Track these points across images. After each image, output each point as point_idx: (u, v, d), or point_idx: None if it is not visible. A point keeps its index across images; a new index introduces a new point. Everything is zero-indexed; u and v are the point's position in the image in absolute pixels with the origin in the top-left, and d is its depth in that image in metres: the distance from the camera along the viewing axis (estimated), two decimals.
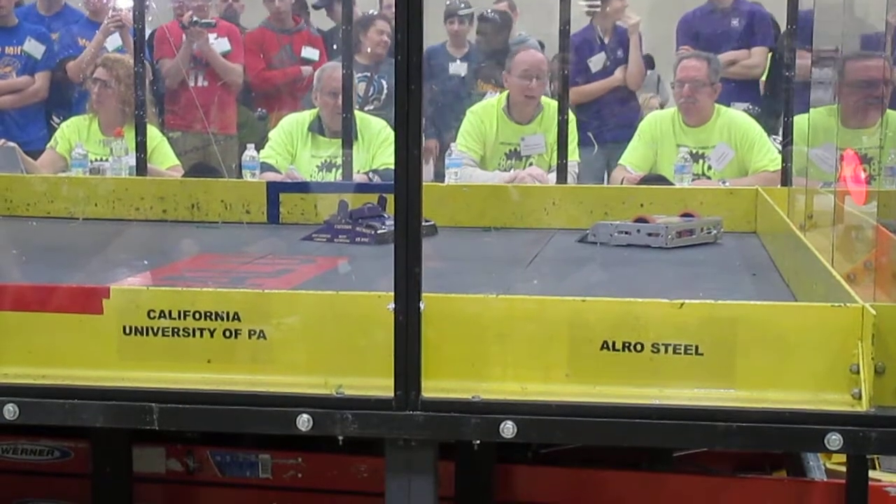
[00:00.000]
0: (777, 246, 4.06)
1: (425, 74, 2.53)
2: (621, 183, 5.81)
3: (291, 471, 3.65)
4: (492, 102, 6.50)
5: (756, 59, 7.14)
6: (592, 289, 3.51)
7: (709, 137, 5.98)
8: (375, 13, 7.57)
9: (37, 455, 3.79)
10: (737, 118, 6.12)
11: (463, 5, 7.64)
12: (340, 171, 5.82)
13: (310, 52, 7.64)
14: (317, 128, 6.15)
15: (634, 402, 2.52)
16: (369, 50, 7.36)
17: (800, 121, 4.99)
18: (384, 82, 7.34)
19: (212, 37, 7.45)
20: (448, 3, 7.64)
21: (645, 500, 3.58)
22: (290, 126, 6.23)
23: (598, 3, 7.17)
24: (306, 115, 6.26)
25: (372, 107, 7.22)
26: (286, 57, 7.71)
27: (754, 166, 5.85)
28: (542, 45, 7.20)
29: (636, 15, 7.21)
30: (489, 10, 7.74)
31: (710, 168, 5.92)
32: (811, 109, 4.71)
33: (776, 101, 6.22)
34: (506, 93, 6.42)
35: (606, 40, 7.21)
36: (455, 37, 7.62)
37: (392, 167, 2.59)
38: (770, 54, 7.13)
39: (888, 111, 4.68)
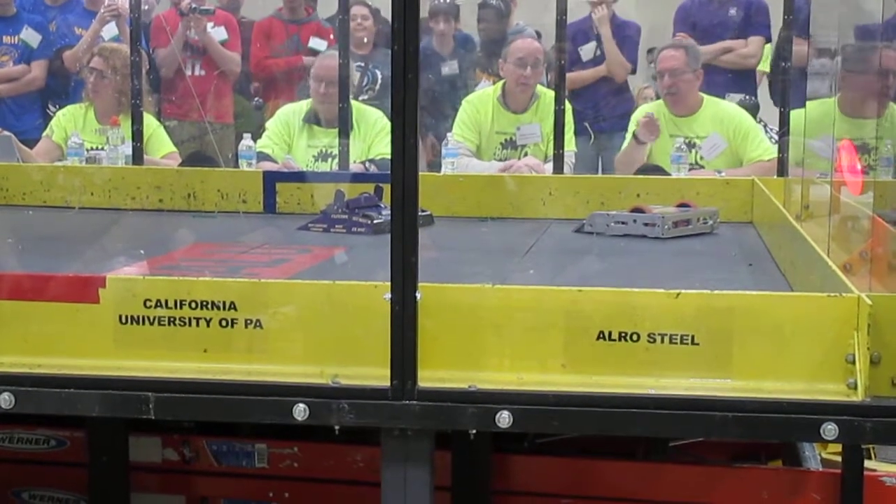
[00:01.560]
0: (773, 236, 4.06)
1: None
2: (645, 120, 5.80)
3: (287, 460, 3.65)
4: (487, 92, 6.49)
5: (752, 49, 7.13)
6: (589, 279, 3.51)
7: (700, 127, 5.98)
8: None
9: (33, 444, 3.79)
10: (728, 109, 6.12)
11: (447, 4, 7.57)
12: (336, 160, 5.82)
13: (317, 43, 7.61)
14: (312, 118, 6.15)
15: (630, 392, 2.52)
16: (363, 39, 7.33)
17: (799, 115, 4.98)
18: (378, 72, 7.33)
19: (209, 25, 7.44)
20: (433, 1, 7.58)
21: (641, 489, 3.58)
22: (287, 116, 6.23)
23: None
24: (303, 105, 6.26)
25: (366, 96, 7.20)
26: (292, 46, 7.70)
27: (749, 156, 5.85)
28: (538, 35, 7.20)
29: (603, 8, 7.17)
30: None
31: (702, 158, 5.92)
32: (810, 100, 4.71)
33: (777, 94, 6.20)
34: (501, 82, 6.42)
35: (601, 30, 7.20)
36: (441, 36, 7.57)
37: (388, 157, 2.59)
38: (767, 45, 7.13)
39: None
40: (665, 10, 7.45)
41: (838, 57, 4.61)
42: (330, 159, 6.01)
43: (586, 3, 7.26)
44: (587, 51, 7.19)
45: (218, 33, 7.49)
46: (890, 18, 3.88)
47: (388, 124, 2.59)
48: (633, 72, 7.45)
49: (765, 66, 7.28)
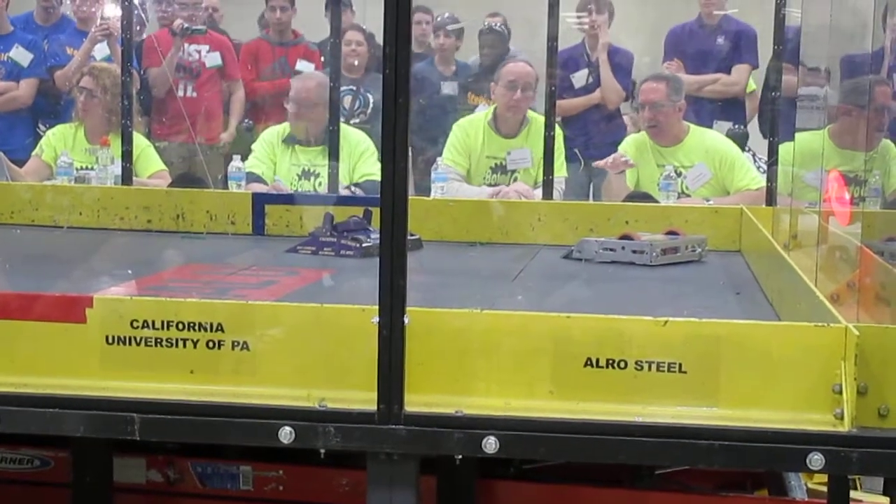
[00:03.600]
0: (761, 265, 4.07)
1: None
2: (618, 163, 5.81)
3: (273, 483, 3.64)
4: (479, 116, 6.50)
5: (736, 77, 7.15)
6: (577, 305, 3.51)
7: (685, 156, 5.98)
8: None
9: (17, 464, 3.77)
10: (713, 139, 6.12)
11: (450, 19, 7.65)
12: (319, 179, 5.84)
13: (304, 66, 7.63)
14: (292, 138, 6.17)
15: (617, 420, 2.52)
16: (348, 63, 7.36)
17: (788, 147, 5.00)
18: (370, 96, 7.34)
19: (203, 50, 7.45)
20: (437, 17, 7.64)
21: None
22: (270, 137, 6.25)
23: (587, 17, 7.18)
24: (284, 126, 6.28)
25: (357, 120, 7.22)
26: (279, 69, 7.71)
27: (736, 186, 5.85)
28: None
29: (605, 35, 7.21)
30: (496, 23, 7.73)
31: (687, 187, 5.93)
32: (800, 130, 4.73)
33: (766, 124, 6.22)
34: (493, 106, 6.43)
35: (594, 58, 7.22)
36: (442, 51, 7.62)
37: (372, 178, 2.60)
38: (752, 71, 7.15)
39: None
40: (659, 38, 7.47)
41: (826, 87, 4.64)
42: (313, 178, 6.02)
43: (575, 30, 7.29)
44: (579, 77, 7.21)
45: (212, 59, 7.50)
46: (877, 50, 3.90)
47: (371, 145, 2.60)
48: (627, 99, 7.47)
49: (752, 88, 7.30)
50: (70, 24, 7.62)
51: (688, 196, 5.84)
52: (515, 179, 6.19)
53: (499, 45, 7.60)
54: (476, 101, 7.43)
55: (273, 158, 6.15)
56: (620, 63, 7.25)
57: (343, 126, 6.21)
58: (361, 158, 5.93)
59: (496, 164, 6.29)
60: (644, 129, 6.10)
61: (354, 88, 7.39)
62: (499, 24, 7.67)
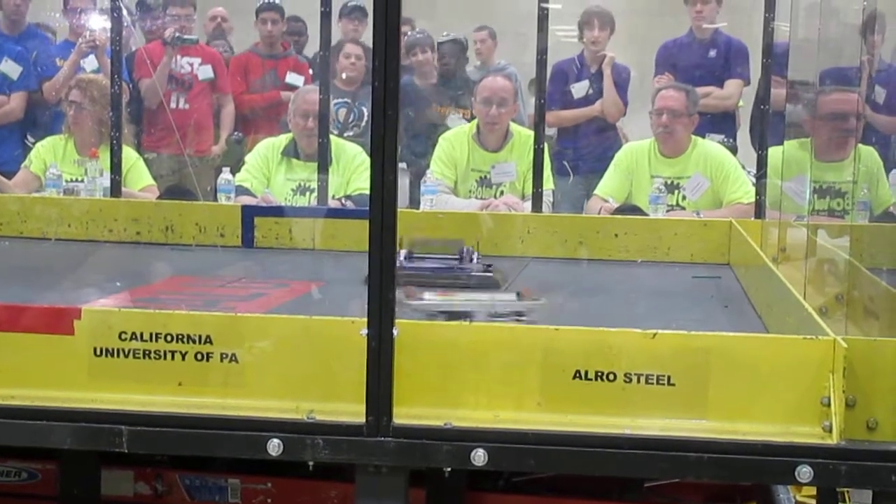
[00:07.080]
0: (750, 278, 4.08)
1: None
2: (598, 213, 5.83)
3: (261, 496, 3.62)
4: (463, 129, 6.51)
5: (728, 91, 7.18)
6: (566, 317, 3.51)
7: (684, 168, 6.00)
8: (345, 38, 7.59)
9: (3, 476, 3.75)
10: (712, 150, 6.15)
11: (423, 35, 7.64)
12: (315, 194, 5.83)
13: (294, 78, 7.65)
14: (291, 151, 6.16)
15: (606, 432, 2.52)
16: (344, 76, 7.38)
17: (774, 153, 5.01)
18: (364, 109, 7.35)
19: (196, 62, 7.46)
20: (407, 35, 7.62)
21: None
22: (266, 150, 6.24)
23: (589, 31, 7.19)
24: (282, 139, 6.27)
25: (351, 133, 7.22)
26: (269, 81, 7.72)
27: (728, 198, 5.88)
28: (514, 75, 7.22)
29: (610, 51, 7.23)
30: (446, 33, 7.74)
31: (684, 198, 5.94)
32: (785, 142, 4.74)
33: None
34: (475, 121, 6.44)
35: (594, 70, 7.23)
36: (421, 66, 7.60)
37: (366, 192, 2.60)
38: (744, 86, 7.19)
39: (860, 146, 4.70)
40: (649, 51, 7.49)
41: (812, 101, 4.65)
42: (308, 193, 6.01)
43: (565, 43, 7.30)
44: (580, 88, 7.22)
45: (204, 71, 7.50)
46: (829, 69, 3.91)
47: (367, 160, 2.60)
48: (625, 114, 7.48)
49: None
50: (38, 35, 7.59)
51: (682, 209, 5.86)
52: (501, 193, 6.20)
53: (458, 55, 7.61)
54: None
55: (267, 173, 6.14)
56: (618, 78, 7.26)
57: (339, 140, 6.22)
58: (356, 173, 5.93)
59: (481, 178, 6.30)
60: (655, 135, 6.11)
61: (348, 101, 7.39)
62: (459, 35, 7.69)
